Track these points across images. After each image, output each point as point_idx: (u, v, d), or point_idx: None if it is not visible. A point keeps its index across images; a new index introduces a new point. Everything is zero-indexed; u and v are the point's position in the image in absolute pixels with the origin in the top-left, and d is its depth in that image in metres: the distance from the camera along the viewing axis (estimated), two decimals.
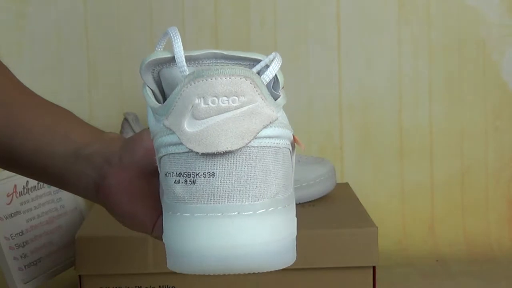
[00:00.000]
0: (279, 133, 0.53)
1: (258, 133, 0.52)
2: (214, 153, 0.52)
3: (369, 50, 1.19)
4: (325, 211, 0.97)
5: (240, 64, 0.57)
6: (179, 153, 0.53)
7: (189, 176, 0.53)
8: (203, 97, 0.51)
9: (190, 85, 0.51)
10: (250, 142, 0.52)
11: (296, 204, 0.57)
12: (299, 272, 0.89)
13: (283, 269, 0.54)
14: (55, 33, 1.17)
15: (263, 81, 0.53)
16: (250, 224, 0.52)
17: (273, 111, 0.53)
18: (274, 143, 0.53)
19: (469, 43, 1.19)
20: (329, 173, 1.03)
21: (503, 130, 1.20)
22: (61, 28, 1.17)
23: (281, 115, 0.55)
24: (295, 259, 0.56)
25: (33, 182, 0.93)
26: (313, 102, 1.19)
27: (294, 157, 0.57)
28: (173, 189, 0.53)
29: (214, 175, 0.52)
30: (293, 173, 0.57)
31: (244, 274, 0.54)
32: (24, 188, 0.92)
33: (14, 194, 0.90)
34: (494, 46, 1.19)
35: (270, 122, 0.53)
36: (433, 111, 1.20)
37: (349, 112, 1.20)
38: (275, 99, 0.54)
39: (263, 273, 0.54)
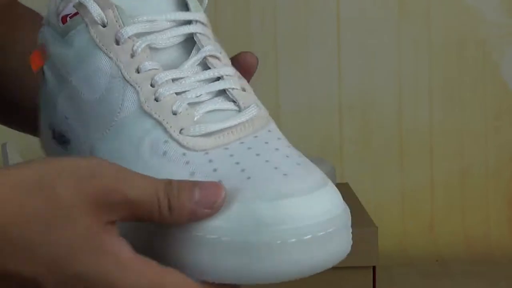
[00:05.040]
0: None
1: None
2: None
3: (369, 50, 1.19)
4: None
5: None
6: None
7: None
8: None
9: None
10: None
11: None
12: None
13: None
14: None
15: None
16: None
17: None
18: None
19: (469, 43, 1.19)
20: (329, 173, 1.03)
21: (503, 130, 1.20)
22: None
23: None
24: None
25: None
26: (313, 102, 1.19)
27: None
28: None
29: None
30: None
31: None
32: None
33: None
34: (494, 46, 1.19)
35: None
36: (433, 111, 1.20)
37: (349, 112, 1.20)
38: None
39: None
